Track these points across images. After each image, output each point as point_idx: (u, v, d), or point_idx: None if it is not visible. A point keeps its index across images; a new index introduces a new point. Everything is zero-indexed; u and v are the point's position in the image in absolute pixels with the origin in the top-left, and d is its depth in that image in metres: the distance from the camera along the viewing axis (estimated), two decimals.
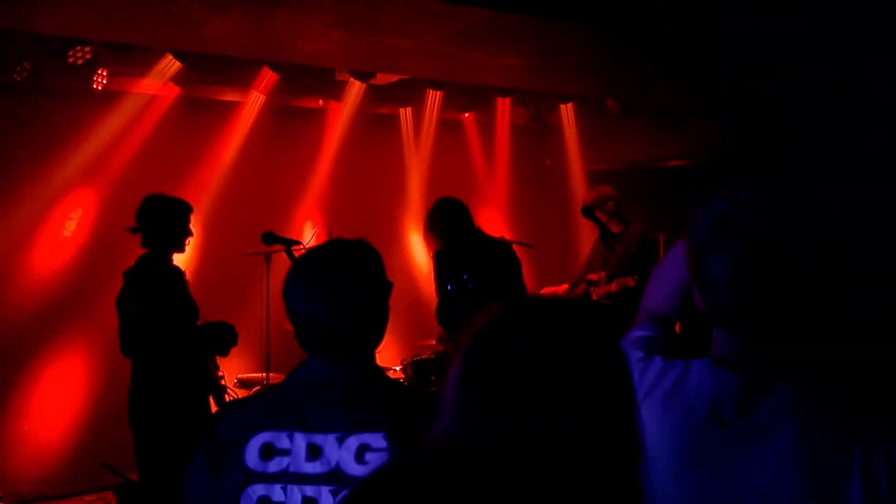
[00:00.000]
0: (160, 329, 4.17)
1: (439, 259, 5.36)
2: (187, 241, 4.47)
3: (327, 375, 1.87)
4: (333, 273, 1.88)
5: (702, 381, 1.50)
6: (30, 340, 5.85)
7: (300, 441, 1.78)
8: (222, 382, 4.70)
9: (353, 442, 1.76)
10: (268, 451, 1.78)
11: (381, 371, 1.97)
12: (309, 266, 1.91)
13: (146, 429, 4.22)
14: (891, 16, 4.73)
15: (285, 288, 1.91)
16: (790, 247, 1.41)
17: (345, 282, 1.86)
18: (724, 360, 1.49)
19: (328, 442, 1.77)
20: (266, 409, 1.87)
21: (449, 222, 5.24)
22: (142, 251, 4.34)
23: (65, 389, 6.00)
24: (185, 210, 4.46)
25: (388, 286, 1.97)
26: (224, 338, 4.56)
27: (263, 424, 1.81)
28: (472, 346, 1.12)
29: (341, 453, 1.76)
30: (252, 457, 1.78)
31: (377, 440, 1.75)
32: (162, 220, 4.34)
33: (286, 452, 1.78)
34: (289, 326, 5.94)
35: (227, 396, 4.73)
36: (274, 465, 1.77)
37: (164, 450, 4.16)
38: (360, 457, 1.74)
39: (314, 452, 1.77)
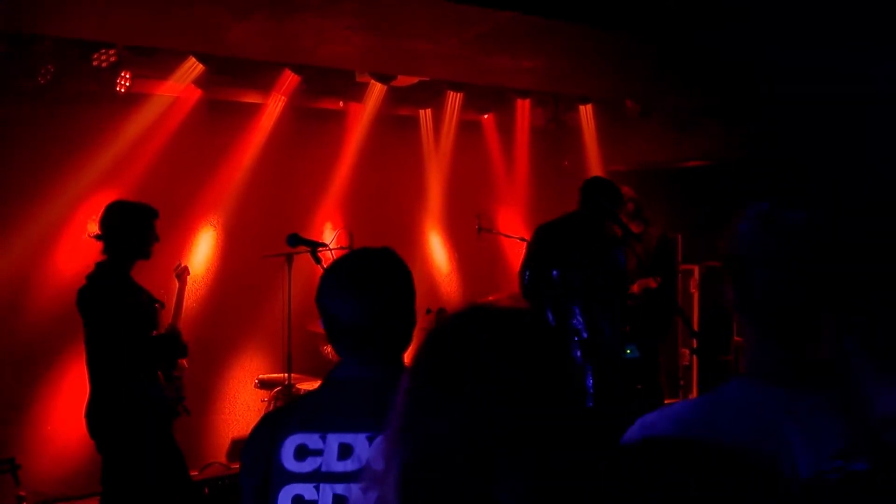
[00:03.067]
0: (108, 347, 4.11)
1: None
2: (151, 247, 4.32)
3: (358, 375, 1.94)
4: (362, 275, 1.97)
5: (747, 399, 1.45)
6: (53, 342, 5.87)
7: (332, 441, 1.85)
8: (181, 406, 4.48)
9: (382, 440, 1.78)
10: (302, 452, 1.86)
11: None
12: (339, 268, 2.01)
13: (103, 445, 4.20)
14: None
15: (318, 289, 1.99)
16: (836, 248, 1.39)
17: (373, 283, 1.96)
18: (768, 373, 1.45)
19: (358, 441, 1.85)
20: (301, 411, 1.96)
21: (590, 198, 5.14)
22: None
23: (87, 391, 6.02)
24: (146, 217, 4.31)
25: (412, 290, 2.04)
26: (169, 351, 4.39)
27: (297, 426, 1.89)
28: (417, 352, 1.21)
29: (371, 451, 1.82)
30: (287, 458, 1.86)
31: None
32: (121, 228, 4.23)
33: (319, 453, 1.85)
34: (311, 327, 5.97)
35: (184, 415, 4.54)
36: (307, 465, 1.85)
37: (122, 466, 4.13)
38: None
39: (345, 452, 1.84)
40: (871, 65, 5.30)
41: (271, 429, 1.94)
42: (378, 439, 1.80)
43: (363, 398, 1.87)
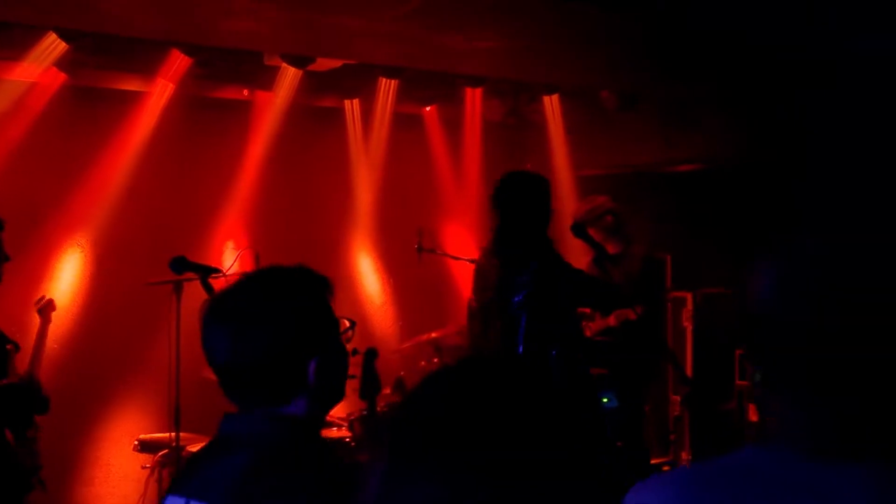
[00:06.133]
0: None
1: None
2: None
3: (231, 429, 2.07)
4: (242, 302, 2.06)
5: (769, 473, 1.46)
6: None
7: None
8: (36, 478, 4.49)
9: None
10: None
11: (297, 427, 2.06)
12: (220, 295, 2.12)
13: None
14: None
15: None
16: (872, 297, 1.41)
17: (252, 312, 2.03)
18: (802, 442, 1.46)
19: None
20: (187, 466, 2.18)
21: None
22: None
23: None
24: None
25: (321, 322, 2.09)
26: (24, 405, 4.35)
27: (175, 486, 2.06)
28: (399, 413, 1.29)
29: None
30: None
31: None
32: None
33: None
34: (206, 374, 5.89)
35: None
36: None
37: None
38: None
39: None
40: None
41: (171, 483, 2.14)
42: None
43: (222, 459, 1.99)
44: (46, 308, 5.11)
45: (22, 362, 4.59)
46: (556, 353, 4.96)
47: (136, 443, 6.20)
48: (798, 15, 5.29)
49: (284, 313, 2.04)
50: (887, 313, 1.40)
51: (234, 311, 2.04)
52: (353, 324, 2.24)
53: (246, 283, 2.12)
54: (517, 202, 5.30)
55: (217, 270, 4.58)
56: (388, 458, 1.24)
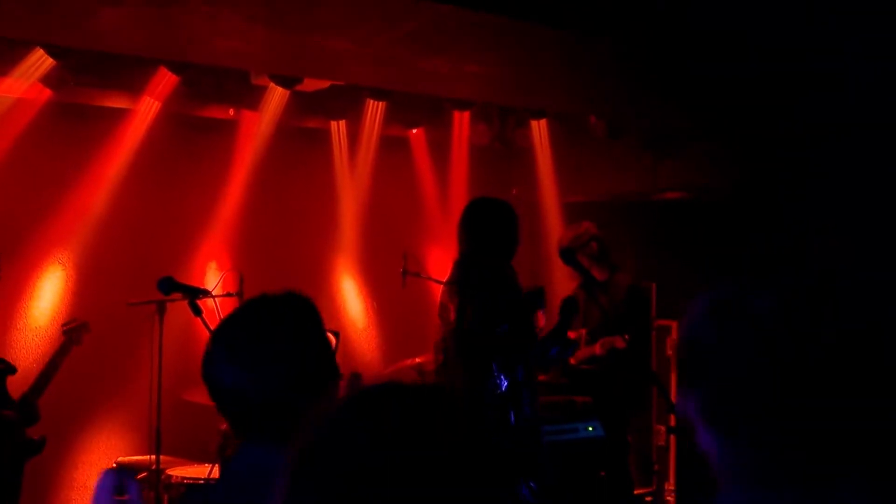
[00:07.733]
0: None
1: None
2: None
3: (242, 462, 2.10)
4: (243, 333, 2.09)
5: None
6: None
7: None
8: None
9: None
10: None
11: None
12: (221, 326, 2.14)
13: None
14: None
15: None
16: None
17: (254, 344, 2.06)
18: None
19: None
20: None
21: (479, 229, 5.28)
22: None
23: None
24: None
25: (317, 352, 2.12)
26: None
27: None
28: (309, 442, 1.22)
29: None
30: None
31: None
32: None
33: None
34: (187, 396, 5.90)
35: None
36: None
37: None
38: None
39: None
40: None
41: None
42: None
43: (231, 493, 2.02)
44: (78, 331, 5.01)
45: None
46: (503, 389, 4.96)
47: (114, 465, 6.18)
48: (798, 16, 5.31)
49: (294, 343, 2.08)
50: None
51: (242, 346, 2.05)
52: (337, 336, 2.30)
53: (248, 314, 2.15)
54: (481, 230, 5.29)
55: (206, 292, 4.58)
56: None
